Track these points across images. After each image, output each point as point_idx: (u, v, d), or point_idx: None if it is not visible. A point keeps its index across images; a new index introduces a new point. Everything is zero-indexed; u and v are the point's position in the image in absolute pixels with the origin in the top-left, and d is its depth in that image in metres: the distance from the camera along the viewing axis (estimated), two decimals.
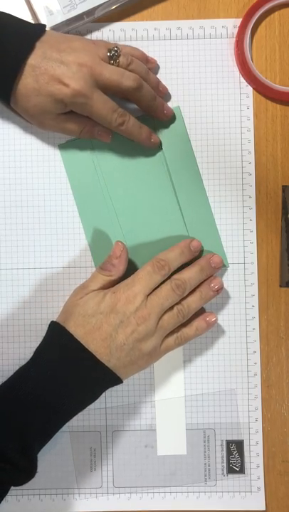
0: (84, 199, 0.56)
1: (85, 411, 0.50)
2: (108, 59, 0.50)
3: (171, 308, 0.51)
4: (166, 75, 0.56)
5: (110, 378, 0.49)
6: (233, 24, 0.56)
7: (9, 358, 0.56)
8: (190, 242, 0.53)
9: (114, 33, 0.56)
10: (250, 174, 0.56)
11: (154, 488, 0.56)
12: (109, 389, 0.51)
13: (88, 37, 0.56)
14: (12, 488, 0.48)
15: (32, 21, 0.54)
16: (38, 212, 0.57)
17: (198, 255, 0.54)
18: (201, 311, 0.54)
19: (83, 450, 0.56)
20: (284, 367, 0.56)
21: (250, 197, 0.56)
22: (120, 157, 0.56)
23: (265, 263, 0.57)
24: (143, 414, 0.56)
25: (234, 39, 0.56)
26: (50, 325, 0.51)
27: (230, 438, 0.56)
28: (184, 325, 0.52)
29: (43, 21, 0.54)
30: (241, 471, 0.56)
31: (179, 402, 0.56)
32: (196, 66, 0.56)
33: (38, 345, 0.50)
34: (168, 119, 0.56)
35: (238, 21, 0.56)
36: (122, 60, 0.51)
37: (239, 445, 0.56)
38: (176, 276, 0.51)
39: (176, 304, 0.51)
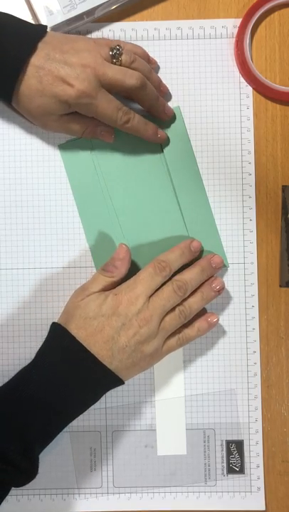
0: (84, 199, 0.56)
1: (85, 411, 0.50)
2: (110, 58, 0.50)
3: (173, 309, 0.51)
4: (166, 75, 0.56)
5: (112, 380, 0.49)
6: (233, 24, 0.56)
7: (9, 358, 0.56)
8: (190, 242, 0.53)
9: (114, 33, 0.56)
10: (250, 174, 0.56)
11: (154, 488, 0.56)
12: None
13: (88, 37, 0.56)
14: (12, 488, 0.48)
15: (32, 21, 0.54)
16: (38, 212, 0.57)
17: (198, 255, 0.54)
18: (202, 312, 0.54)
19: (83, 450, 0.56)
20: (284, 367, 0.56)
21: (250, 197, 0.56)
22: (120, 157, 0.56)
23: (265, 263, 0.57)
24: (143, 414, 0.56)
25: (234, 39, 0.56)
26: (51, 326, 0.51)
27: (230, 438, 0.56)
28: (185, 326, 0.52)
29: (43, 21, 0.54)
30: (241, 471, 0.56)
31: (179, 402, 0.56)
32: (196, 66, 0.56)
33: (38, 345, 0.50)
34: (169, 119, 0.56)
35: (238, 21, 0.56)
36: (124, 57, 0.51)
37: (239, 445, 0.56)
38: (177, 277, 0.51)
39: (178, 305, 0.51)
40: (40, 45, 0.49)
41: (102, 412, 0.56)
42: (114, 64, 0.50)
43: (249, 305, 0.56)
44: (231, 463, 0.56)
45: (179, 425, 0.56)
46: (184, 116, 0.56)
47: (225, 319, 0.56)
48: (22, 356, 0.56)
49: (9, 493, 0.48)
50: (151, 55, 0.56)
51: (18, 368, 0.50)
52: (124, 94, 0.53)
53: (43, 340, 0.51)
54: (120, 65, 0.50)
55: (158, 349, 0.50)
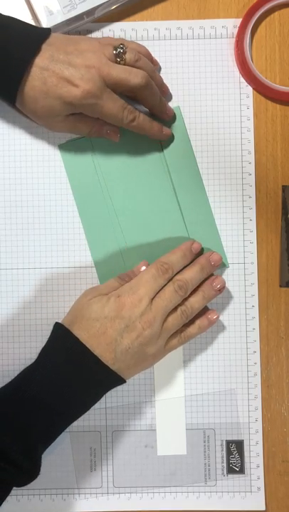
0: (84, 199, 0.56)
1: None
2: (114, 57, 0.50)
3: (175, 309, 0.51)
4: (166, 75, 0.56)
5: (114, 380, 0.49)
6: (233, 24, 0.56)
7: (9, 358, 0.56)
8: (191, 244, 0.53)
9: (114, 33, 0.56)
10: (250, 174, 0.56)
11: (154, 488, 0.56)
12: None
13: (92, 37, 0.56)
14: (13, 488, 0.48)
15: (32, 21, 0.54)
16: (38, 212, 0.57)
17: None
18: (202, 309, 0.54)
19: (83, 450, 0.56)
20: (284, 367, 0.56)
21: (250, 197, 0.56)
22: (120, 157, 0.56)
23: (265, 263, 0.57)
24: (143, 414, 0.56)
25: (234, 39, 0.56)
26: (54, 326, 0.51)
27: (230, 438, 0.56)
28: (186, 324, 0.53)
29: (43, 21, 0.54)
30: (241, 471, 0.56)
31: (179, 402, 0.56)
32: (196, 66, 0.56)
33: (38, 345, 0.50)
34: (169, 119, 0.56)
35: (238, 21, 0.56)
36: (128, 56, 0.50)
37: (239, 445, 0.56)
38: (178, 277, 0.51)
39: (180, 304, 0.51)
40: (44, 46, 0.49)
41: (102, 412, 0.56)
42: (119, 63, 0.50)
43: (249, 305, 0.56)
44: (231, 463, 0.56)
45: (179, 425, 0.56)
46: (184, 116, 0.56)
47: (225, 319, 0.56)
48: (22, 356, 0.56)
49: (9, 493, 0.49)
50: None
51: (18, 368, 0.50)
52: (128, 94, 0.53)
53: (43, 340, 0.51)
54: (124, 63, 0.50)
55: (160, 349, 0.50)
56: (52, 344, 0.50)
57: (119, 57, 0.50)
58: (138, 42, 0.56)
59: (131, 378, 0.51)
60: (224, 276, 0.56)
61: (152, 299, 0.50)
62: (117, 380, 0.49)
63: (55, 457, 0.56)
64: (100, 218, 0.56)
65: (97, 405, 0.53)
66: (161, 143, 0.56)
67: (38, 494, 0.56)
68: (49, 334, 0.51)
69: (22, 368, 0.50)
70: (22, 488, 0.54)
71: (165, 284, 0.51)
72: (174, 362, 0.56)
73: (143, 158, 0.56)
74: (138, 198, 0.56)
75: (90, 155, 0.56)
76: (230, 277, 0.56)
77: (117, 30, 0.56)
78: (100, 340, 0.48)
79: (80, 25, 0.55)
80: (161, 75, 0.56)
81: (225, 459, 0.56)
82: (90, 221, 0.56)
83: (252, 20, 0.55)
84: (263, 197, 0.57)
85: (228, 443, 0.56)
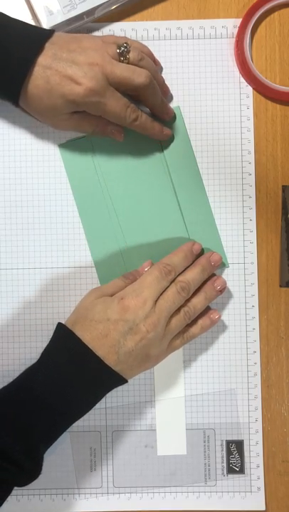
0: (84, 199, 0.56)
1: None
2: (118, 55, 0.50)
3: (178, 310, 0.51)
4: (166, 75, 0.56)
5: (116, 380, 0.49)
6: (233, 24, 0.56)
7: (9, 358, 0.56)
8: (192, 245, 0.53)
9: (114, 33, 0.56)
10: (250, 174, 0.56)
11: (154, 488, 0.56)
12: None
13: (95, 35, 0.56)
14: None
15: (32, 21, 0.54)
16: (38, 212, 0.57)
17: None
18: (204, 309, 0.54)
19: (83, 450, 0.56)
20: (284, 367, 0.56)
21: (250, 197, 0.56)
22: (120, 157, 0.56)
23: (265, 263, 0.57)
24: (143, 414, 0.56)
25: (234, 39, 0.56)
26: (57, 326, 0.51)
27: (230, 438, 0.56)
28: (189, 324, 0.53)
29: (43, 21, 0.54)
30: (241, 471, 0.56)
31: (179, 402, 0.56)
32: (196, 66, 0.56)
33: (38, 345, 0.50)
34: (170, 119, 0.56)
35: (238, 21, 0.56)
36: (132, 55, 0.50)
37: (239, 445, 0.56)
38: (180, 278, 0.51)
39: (182, 305, 0.51)
40: (48, 45, 0.49)
41: (102, 412, 0.56)
42: (122, 62, 0.50)
43: (249, 305, 0.56)
44: (231, 463, 0.56)
45: (179, 425, 0.56)
46: (184, 116, 0.56)
47: (225, 319, 0.56)
48: (22, 356, 0.56)
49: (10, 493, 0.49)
50: None
51: (18, 368, 0.50)
52: (130, 93, 0.53)
53: (43, 339, 0.51)
54: (128, 62, 0.50)
55: (163, 350, 0.51)
56: (54, 344, 0.50)
57: (122, 56, 0.50)
58: (138, 41, 0.56)
59: (131, 378, 0.51)
60: (224, 276, 0.56)
61: (156, 301, 0.50)
62: (119, 380, 0.49)
63: (55, 457, 0.56)
64: (99, 218, 0.56)
65: (97, 405, 0.53)
66: (161, 143, 0.56)
67: (38, 494, 0.56)
68: (49, 334, 0.51)
69: (22, 367, 0.50)
70: (22, 488, 0.54)
71: (168, 286, 0.51)
72: (174, 362, 0.56)
73: (143, 158, 0.56)
74: (138, 198, 0.56)
75: (90, 155, 0.56)
76: (231, 277, 0.56)
77: (117, 30, 0.56)
78: (103, 342, 0.48)
79: (80, 25, 0.55)
80: (161, 75, 0.56)
81: (225, 459, 0.56)
82: (90, 221, 0.56)
83: (252, 20, 0.55)
84: (263, 197, 0.57)
85: (228, 443, 0.56)
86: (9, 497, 0.55)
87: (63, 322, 0.51)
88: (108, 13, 0.56)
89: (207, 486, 0.56)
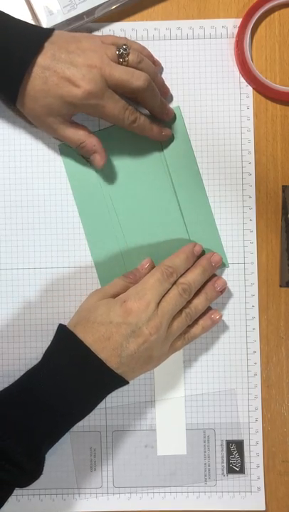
0: (84, 199, 0.56)
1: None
2: (117, 57, 0.50)
3: (180, 312, 0.51)
4: (166, 75, 0.56)
5: (118, 382, 0.49)
6: (233, 24, 0.56)
7: (9, 358, 0.56)
8: (193, 247, 0.53)
9: (114, 33, 0.56)
10: (250, 174, 0.56)
11: (154, 488, 0.56)
12: None
13: (95, 34, 0.56)
14: None
15: (32, 21, 0.54)
16: (38, 212, 0.57)
17: None
18: (205, 309, 0.54)
19: (83, 450, 0.56)
20: (284, 367, 0.56)
21: (250, 197, 0.56)
22: (120, 157, 0.56)
23: (265, 263, 0.57)
24: (143, 414, 0.56)
25: (234, 39, 0.56)
26: (58, 328, 0.51)
27: (230, 438, 0.56)
28: (190, 325, 0.53)
29: (43, 21, 0.54)
30: (241, 471, 0.56)
31: (179, 402, 0.56)
32: (196, 66, 0.56)
33: (38, 345, 0.50)
34: (169, 120, 0.56)
35: (238, 21, 0.56)
36: (131, 57, 0.50)
37: (239, 445, 0.56)
38: (181, 280, 0.51)
39: (184, 307, 0.51)
40: (47, 44, 0.49)
41: (102, 412, 0.56)
42: (121, 64, 0.50)
43: (249, 305, 0.56)
44: (231, 463, 0.56)
45: (179, 425, 0.56)
46: (184, 116, 0.56)
47: (225, 319, 0.56)
48: (22, 356, 0.56)
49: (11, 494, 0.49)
50: None
51: (18, 368, 0.50)
52: (128, 95, 0.53)
53: (44, 340, 0.51)
54: (127, 65, 0.50)
55: (165, 351, 0.51)
56: (56, 346, 0.50)
57: (122, 58, 0.50)
58: (138, 42, 0.56)
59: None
60: (224, 277, 0.56)
61: (158, 303, 0.50)
62: (120, 382, 0.49)
63: (55, 457, 0.56)
64: (100, 218, 0.56)
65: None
66: (161, 143, 0.56)
67: (38, 494, 0.56)
68: (49, 334, 0.51)
69: (22, 368, 0.50)
70: (22, 488, 0.54)
71: (169, 288, 0.51)
72: (174, 362, 0.56)
73: (143, 158, 0.56)
74: (138, 198, 0.56)
75: None
76: (231, 277, 0.56)
77: (117, 30, 0.56)
78: (105, 344, 0.48)
79: (80, 25, 0.55)
80: (161, 75, 0.56)
81: (225, 459, 0.56)
82: (90, 221, 0.56)
83: (252, 20, 0.55)
84: (263, 197, 0.57)
85: (228, 443, 0.56)
86: (9, 497, 0.55)
87: (64, 323, 0.51)
88: (108, 13, 0.56)
89: (207, 486, 0.56)
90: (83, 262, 0.57)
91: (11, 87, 0.49)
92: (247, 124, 0.56)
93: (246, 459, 0.56)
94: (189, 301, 0.52)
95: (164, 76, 0.56)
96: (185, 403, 0.56)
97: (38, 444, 0.47)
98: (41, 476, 0.48)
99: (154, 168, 0.56)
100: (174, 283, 0.51)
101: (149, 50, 0.54)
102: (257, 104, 0.57)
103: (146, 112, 0.55)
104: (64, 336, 0.50)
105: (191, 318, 0.52)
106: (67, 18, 0.54)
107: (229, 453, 0.56)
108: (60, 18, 0.54)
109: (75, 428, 0.56)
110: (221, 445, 0.56)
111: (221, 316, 0.54)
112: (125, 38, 0.54)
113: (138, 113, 0.52)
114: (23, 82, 0.49)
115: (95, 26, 0.56)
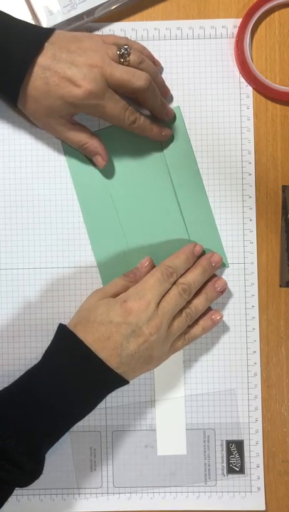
0: (87, 198, 0.56)
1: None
2: (118, 57, 0.50)
3: (180, 312, 0.51)
4: (166, 75, 0.56)
5: (118, 381, 0.49)
6: (233, 24, 0.56)
7: (9, 358, 0.56)
8: (193, 247, 0.53)
9: (114, 33, 0.56)
10: (250, 174, 0.56)
11: (154, 488, 0.56)
12: None
13: (96, 34, 0.56)
14: None
15: (32, 21, 0.54)
16: (38, 212, 0.57)
17: None
18: (205, 309, 0.54)
19: (83, 450, 0.56)
20: (284, 367, 0.56)
21: (250, 197, 0.56)
22: (120, 157, 0.56)
23: (265, 263, 0.57)
24: (143, 414, 0.56)
25: (234, 39, 0.56)
26: (58, 328, 0.51)
27: (230, 438, 0.56)
28: (190, 325, 0.53)
29: (43, 21, 0.54)
30: (241, 471, 0.56)
31: (179, 402, 0.56)
32: (196, 66, 0.56)
33: (38, 345, 0.50)
34: (169, 120, 0.56)
35: (238, 21, 0.56)
36: (132, 58, 0.50)
37: (239, 445, 0.56)
38: (181, 280, 0.51)
39: (184, 307, 0.51)
40: (47, 45, 0.49)
41: (102, 412, 0.56)
42: (122, 64, 0.50)
43: (249, 305, 0.56)
44: (231, 463, 0.56)
45: (179, 425, 0.56)
46: (184, 116, 0.56)
47: (225, 319, 0.56)
48: (22, 356, 0.56)
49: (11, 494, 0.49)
50: None
51: (18, 368, 0.50)
52: (128, 95, 0.53)
53: (44, 340, 0.51)
54: (128, 65, 0.50)
55: (165, 351, 0.51)
56: (56, 346, 0.50)
57: (122, 58, 0.50)
58: (138, 42, 0.56)
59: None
60: (224, 277, 0.56)
61: (158, 303, 0.50)
62: (120, 382, 0.49)
63: (55, 457, 0.56)
64: (102, 218, 0.56)
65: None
66: (161, 143, 0.56)
67: (38, 494, 0.56)
68: (50, 334, 0.51)
69: (23, 367, 0.50)
70: (22, 488, 0.54)
71: (169, 288, 0.51)
72: (174, 362, 0.56)
73: (143, 158, 0.56)
74: (138, 198, 0.56)
75: None
76: (231, 277, 0.56)
77: (117, 30, 0.56)
78: (105, 344, 0.48)
79: (80, 25, 0.55)
80: (161, 75, 0.56)
81: (225, 459, 0.56)
82: (92, 220, 0.56)
83: (252, 20, 0.55)
84: (263, 197, 0.57)
85: (228, 443, 0.56)
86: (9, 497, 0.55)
87: (64, 323, 0.51)
88: (108, 13, 0.56)
89: (207, 486, 0.56)
90: (83, 262, 0.57)
91: (12, 88, 0.49)
92: (247, 124, 0.56)
93: (246, 459, 0.56)
94: (189, 302, 0.52)
95: (164, 76, 0.56)
96: (185, 403, 0.56)
97: (38, 444, 0.47)
98: (41, 476, 0.48)
99: (154, 168, 0.56)
100: (174, 283, 0.51)
101: (149, 50, 0.54)
102: (257, 104, 0.57)
103: (147, 112, 0.55)
104: (64, 336, 0.50)
105: (192, 319, 0.52)
106: (67, 18, 0.54)
107: (229, 453, 0.56)
108: (60, 18, 0.54)
109: (75, 428, 0.56)
110: (221, 445, 0.56)
111: (221, 317, 0.54)
112: (126, 38, 0.54)
113: (138, 113, 0.52)
114: (24, 82, 0.49)
115: (95, 26, 0.56)
